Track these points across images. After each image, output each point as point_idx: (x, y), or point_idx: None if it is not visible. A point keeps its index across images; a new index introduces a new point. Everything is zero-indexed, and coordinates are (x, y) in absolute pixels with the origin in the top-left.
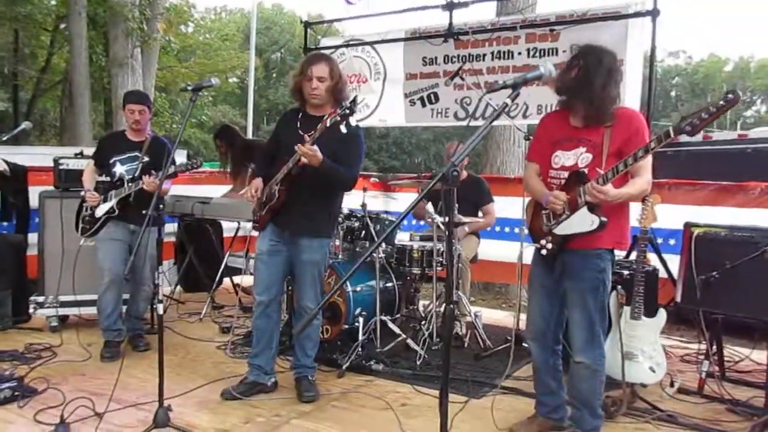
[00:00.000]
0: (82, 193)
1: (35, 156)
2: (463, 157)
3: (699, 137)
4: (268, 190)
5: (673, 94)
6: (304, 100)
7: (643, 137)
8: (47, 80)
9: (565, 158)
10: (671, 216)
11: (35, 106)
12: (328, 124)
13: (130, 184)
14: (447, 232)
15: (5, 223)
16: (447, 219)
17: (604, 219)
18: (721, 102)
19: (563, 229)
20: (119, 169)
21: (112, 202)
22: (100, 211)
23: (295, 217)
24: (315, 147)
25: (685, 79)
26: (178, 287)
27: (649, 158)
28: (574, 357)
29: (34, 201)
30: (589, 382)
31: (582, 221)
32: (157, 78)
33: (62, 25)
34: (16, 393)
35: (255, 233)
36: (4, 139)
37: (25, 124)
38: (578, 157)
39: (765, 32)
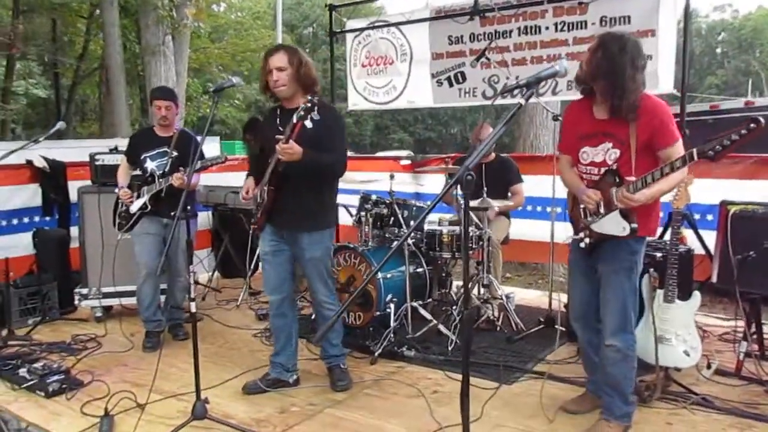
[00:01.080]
0: (116, 191)
1: (72, 150)
2: (477, 159)
3: (741, 103)
4: (259, 191)
5: (718, 50)
6: (275, 95)
7: (668, 129)
8: (85, 67)
9: (593, 154)
10: (709, 191)
11: (75, 92)
12: (295, 120)
13: (160, 180)
14: (463, 245)
15: (47, 218)
16: (463, 230)
17: (635, 225)
18: (743, 130)
19: (599, 226)
20: (150, 165)
21: (144, 198)
22: (134, 207)
23: (290, 213)
24: (291, 143)
25: (732, 35)
26: (216, 274)
27: (680, 144)
28: (606, 340)
29: (73, 195)
30: (619, 367)
31: (615, 225)
32: (191, 60)
33: (97, 12)
34: (64, 386)
35: None
36: (41, 140)
37: (59, 125)
38: (606, 153)
39: None
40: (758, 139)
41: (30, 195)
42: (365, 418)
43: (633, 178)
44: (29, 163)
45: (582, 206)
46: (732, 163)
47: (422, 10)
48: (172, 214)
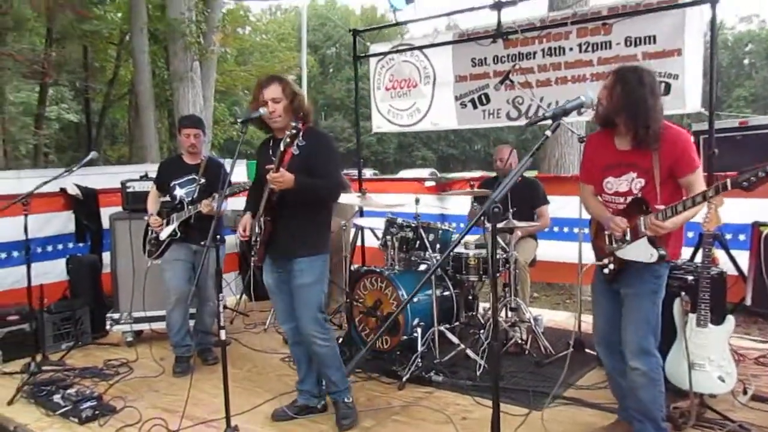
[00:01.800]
0: (146, 218)
1: (102, 176)
2: (503, 192)
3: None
4: (257, 223)
5: (746, 61)
6: (269, 126)
7: (690, 157)
8: (115, 92)
9: (617, 184)
10: (741, 210)
11: (106, 116)
12: (282, 148)
13: (189, 207)
14: (492, 273)
15: (81, 245)
16: (491, 269)
17: (663, 252)
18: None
19: (624, 253)
20: (179, 192)
21: (174, 225)
22: (164, 234)
23: (284, 241)
24: (282, 171)
25: (759, 45)
26: (243, 297)
27: (700, 171)
28: (629, 363)
29: (105, 222)
30: (647, 391)
31: (643, 251)
32: (217, 83)
33: (127, 38)
34: (96, 412)
35: None
36: (75, 170)
37: (92, 155)
38: (630, 182)
39: None
40: None
41: (63, 222)
42: None
43: (662, 207)
44: (62, 191)
45: (607, 233)
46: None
47: (445, 33)
48: (202, 243)
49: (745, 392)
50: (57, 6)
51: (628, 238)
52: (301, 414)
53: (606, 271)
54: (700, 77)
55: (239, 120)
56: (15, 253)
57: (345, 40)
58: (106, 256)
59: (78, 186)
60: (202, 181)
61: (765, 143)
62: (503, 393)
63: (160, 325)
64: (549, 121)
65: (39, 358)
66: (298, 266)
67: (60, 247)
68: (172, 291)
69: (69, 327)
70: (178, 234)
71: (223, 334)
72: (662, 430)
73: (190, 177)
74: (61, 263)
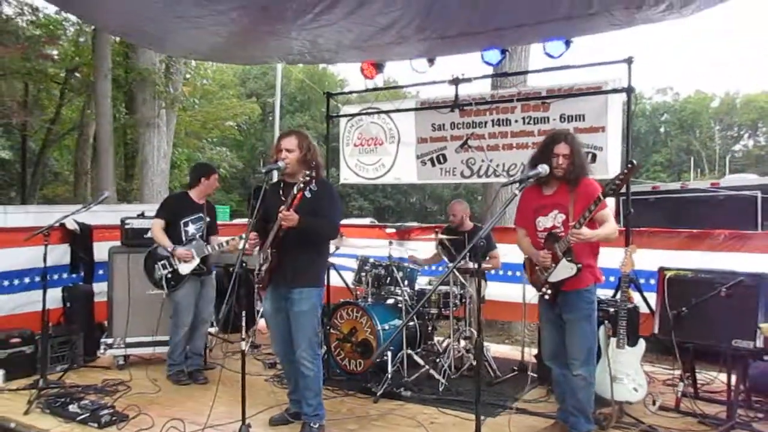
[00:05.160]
0: (170, 250)
1: (96, 214)
2: (481, 237)
3: (677, 185)
4: (264, 253)
5: (662, 130)
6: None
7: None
8: (56, 130)
9: (545, 222)
10: (652, 259)
11: (44, 155)
12: (295, 191)
13: (214, 246)
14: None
15: (74, 275)
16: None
17: (579, 265)
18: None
19: (554, 277)
20: (191, 229)
21: (197, 260)
22: (187, 269)
23: (286, 272)
24: (291, 211)
25: (674, 116)
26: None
27: (610, 210)
28: (574, 371)
29: (97, 255)
30: (585, 392)
31: (565, 269)
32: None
33: (72, 77)
34: (114, 417)
35: None
36: (91, 207)
37: (106, 193)
38: (554, 218)
39: (749, 68)
40: (690, 217)
41: (60, 254)
42: None
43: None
44: (62, 225)
45: (537, 267)
46: (669, 237)
47: (409, 100)
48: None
49: (654, 403)
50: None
51: (552, 264)
52: (296, 419)
53: (546, 297)
54: (620, 149)
55: (263, 170)
56: (16, 281)
57: (287, 89)
58: (96, 286)
59: (76, 221)
60: (208, 219)
61: (672, 205)
62: (463, 404)
63: (147, 351)
64: (500, 179)
65: (39, 379)
66: (298, 295)
67: (56, 277)
68: (185, 322)
69: (65, 350)
70: (204, 269)
71: (243, 344)
72: (591, 423)
73: (198, 215)
74: (57, 292)
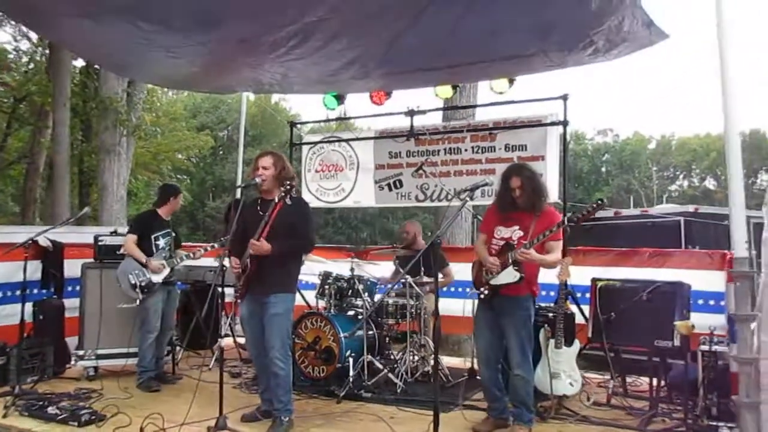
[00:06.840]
0: (144, 261)
1: (67, 234)
2: (445, 229)
3: (611, 213)
4: (243, 264)
5: (603, 169)
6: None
7: (556, 230)
8: (3, 159)
9: (503, 232)
10: (587, 274)
11: None
12: (276, 199)
13: (182, 257)
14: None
15: (44, 291)
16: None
17: (522, 275)
18: (589, 209)
19: (496, 280)
20: (161, 243)
21: (167, 270)
22: (160, 278)
23: (262, 281)
24: (262, 241)
25: (614, 156)
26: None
27: (560, 244)
28: (514, 371)
29: (75, 271)
30: (524, 388)
31: (508, 275)
32: None
33: (20, 106)
34: (93, 416)
35: None
36: (71, 221)
37: (86, 209)
38: (512, 233)
39: (683, 112)
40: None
41: (32, 270)
42: None
43: (525, 242)
44: (34, 242)
45: (485, 269)
46: (601, 255)
47: (368, 130)
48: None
49: (588, 399)
50: None
51: (499, 270)
52: (267, 417)
53: (482, 296)
54: (557, 176)
55: (242, 185)
56: None
57: (237, 123)
58: (66, 302)
59: (48, 239)
60: (173, 234)
61: (606, 230)
62: (422, 403)
63: (117, 362)
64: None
65: (10, 389)
66: (274, 299)
67: (27, 291)
68: (154, 328)
69: (36, 362)
70: (172, 277)
71: (223, 341)
72: (532, 413)
73: (167, 230)
74: (27, 306)
